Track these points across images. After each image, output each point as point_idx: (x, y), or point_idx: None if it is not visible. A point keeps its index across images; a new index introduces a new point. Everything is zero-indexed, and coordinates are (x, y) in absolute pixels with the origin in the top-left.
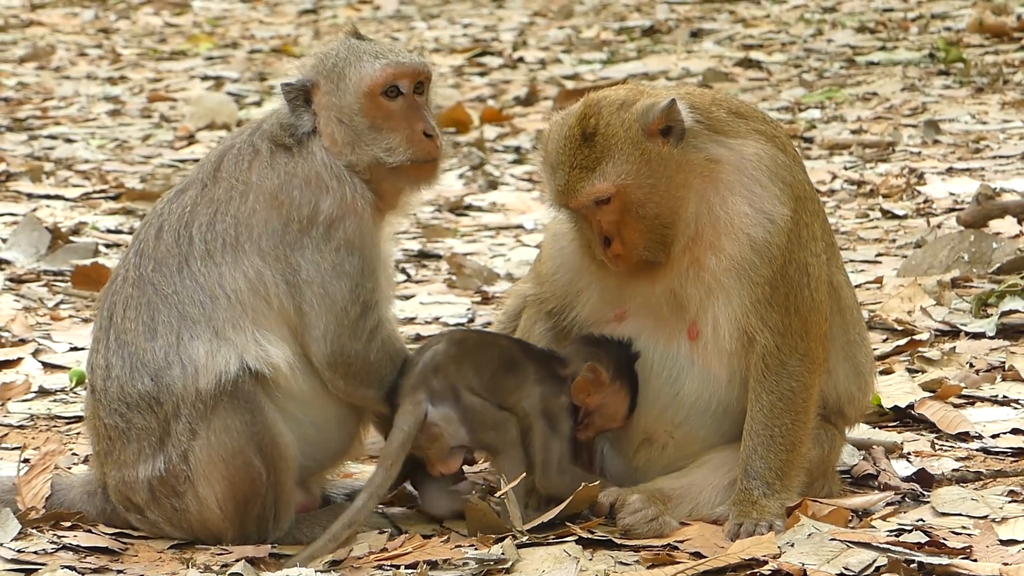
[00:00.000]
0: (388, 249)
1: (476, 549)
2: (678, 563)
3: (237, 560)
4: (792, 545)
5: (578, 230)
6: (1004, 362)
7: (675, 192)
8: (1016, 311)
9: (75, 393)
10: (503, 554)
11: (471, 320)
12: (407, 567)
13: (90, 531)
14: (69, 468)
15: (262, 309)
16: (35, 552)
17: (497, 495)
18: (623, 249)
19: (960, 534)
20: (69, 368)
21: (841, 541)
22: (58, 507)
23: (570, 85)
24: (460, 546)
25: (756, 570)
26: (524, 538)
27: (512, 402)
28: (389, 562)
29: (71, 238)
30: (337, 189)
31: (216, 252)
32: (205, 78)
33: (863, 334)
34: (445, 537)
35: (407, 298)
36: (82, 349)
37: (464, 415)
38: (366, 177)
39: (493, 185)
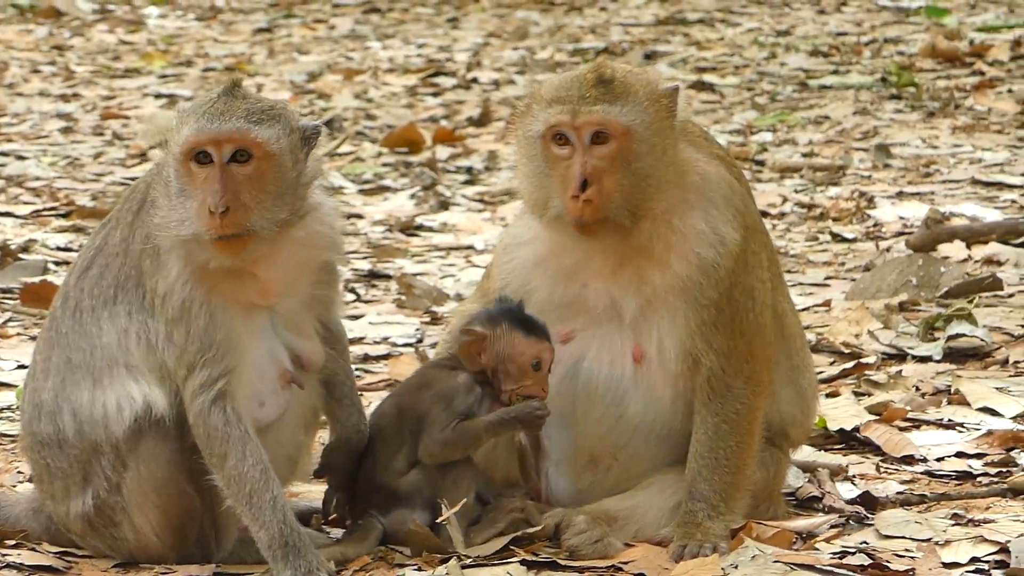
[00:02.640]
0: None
1: (420, 571)
2: None
3: None
4: (736, 567)
5: (543, 175)
6: (950, 386)
7: (666, 164)
8: (963, 335)
9: (21, 411)
10: (447, 575)
11: (419, 340)
12: None
13: (34, 549)
14: (14, 486)
15: (129, 362)
16: None
17: (438, 520)
18: (598, 197)
19: (903, 557)
20: (16, 386)
21: (785, 563)
22: (2, 524)
23: None
24: (402, 565)
25: None
26: (469, 560)
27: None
28: None
29: (20, 255)
30: (164, 265)
31: (98, 307)
32: (158, 96)
33: (807, 360)
34: (389, 559)
35: (356, 318)
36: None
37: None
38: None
39: (444, 205)
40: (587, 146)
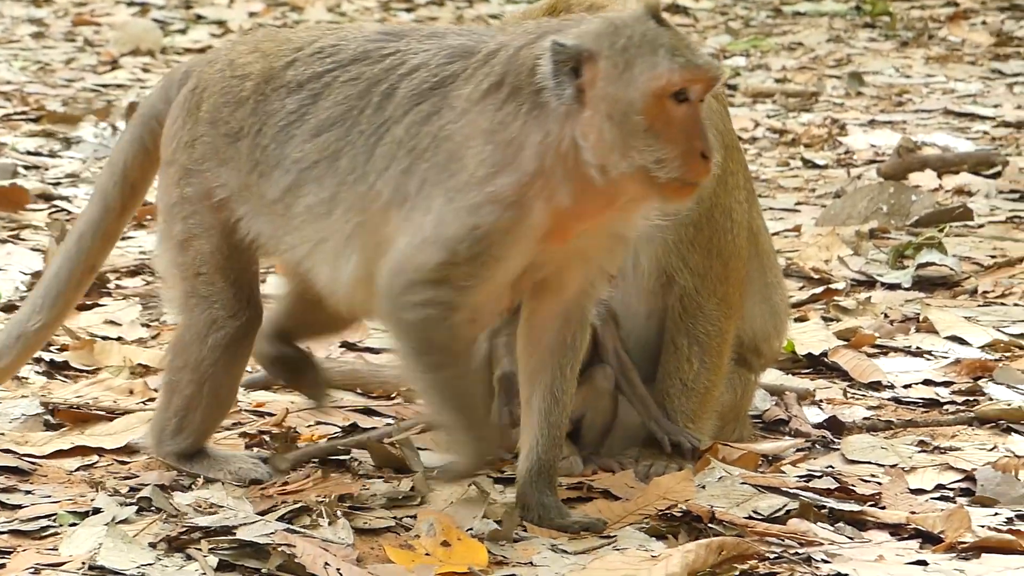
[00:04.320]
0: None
1: (387, 482)
2: (590, 500)
3: (146, 485)
4: (703, 488)
5: None
6: (919, 314)
7: None
8: (932, 264)
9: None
10: (413, 489)
11: None
12: (317, 500)
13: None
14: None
15: (375, 223)
16: None
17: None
18: None
19: (869, 481)
20: None
21: (752, 485)
22: None
23: (496, 24)
24: (369, 476)
25: (666, 511)
26: (434, 472)
27: None
28: (293, 497)
29: None
30: (523, 176)
31: (403, 148)
32: (131, 3)
33: (779, 278)
34: (355, 469)
35: None
36: (2, 270)
37: None
38: (608, 178)
39: None
40: None
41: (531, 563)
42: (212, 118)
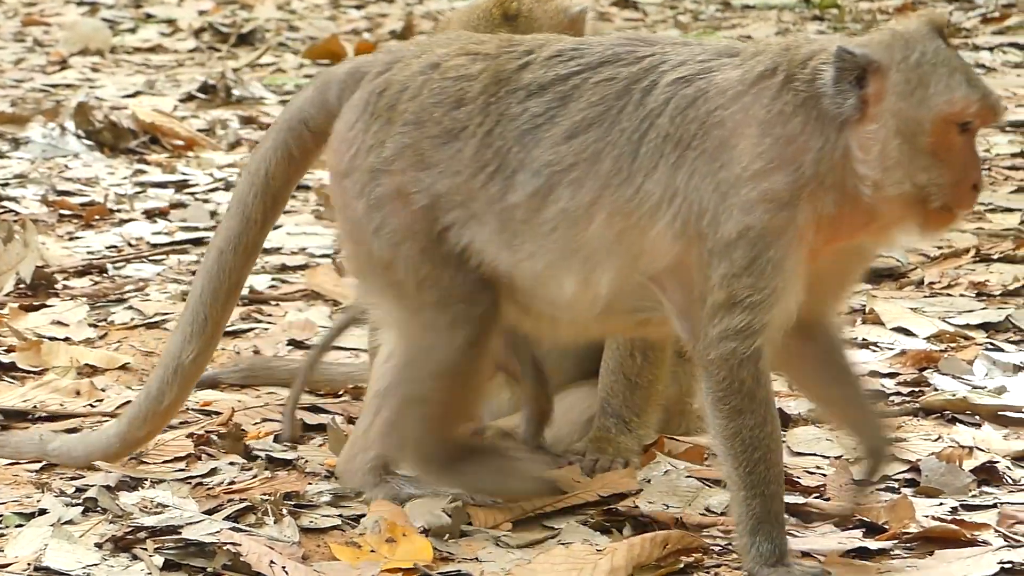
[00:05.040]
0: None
1: (332, 482)
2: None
3: (91, 486)
4: (649, 481)
5: None
6: (865, 305)
7: None
8: (879, 255)
9: None
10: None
11: (337, 251)
12: (263, 498)
13: None
14: None
15: (642, 226)
16: None
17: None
18: None
19: (815, 473)
20: None
21: (698, 478)
22: None
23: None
24: (316, 473)
25: (612, 506)
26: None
27: None
28: (238, 496)
29: None
30: (800, 177)
31: (670, 142)
32: (80, 3)
33: None
34: (301, 467)
35: (274, 228)
36: None
37: None
38: (879, 196)
39: None
40: None
41: (476, 559)
42: (417, 119)
